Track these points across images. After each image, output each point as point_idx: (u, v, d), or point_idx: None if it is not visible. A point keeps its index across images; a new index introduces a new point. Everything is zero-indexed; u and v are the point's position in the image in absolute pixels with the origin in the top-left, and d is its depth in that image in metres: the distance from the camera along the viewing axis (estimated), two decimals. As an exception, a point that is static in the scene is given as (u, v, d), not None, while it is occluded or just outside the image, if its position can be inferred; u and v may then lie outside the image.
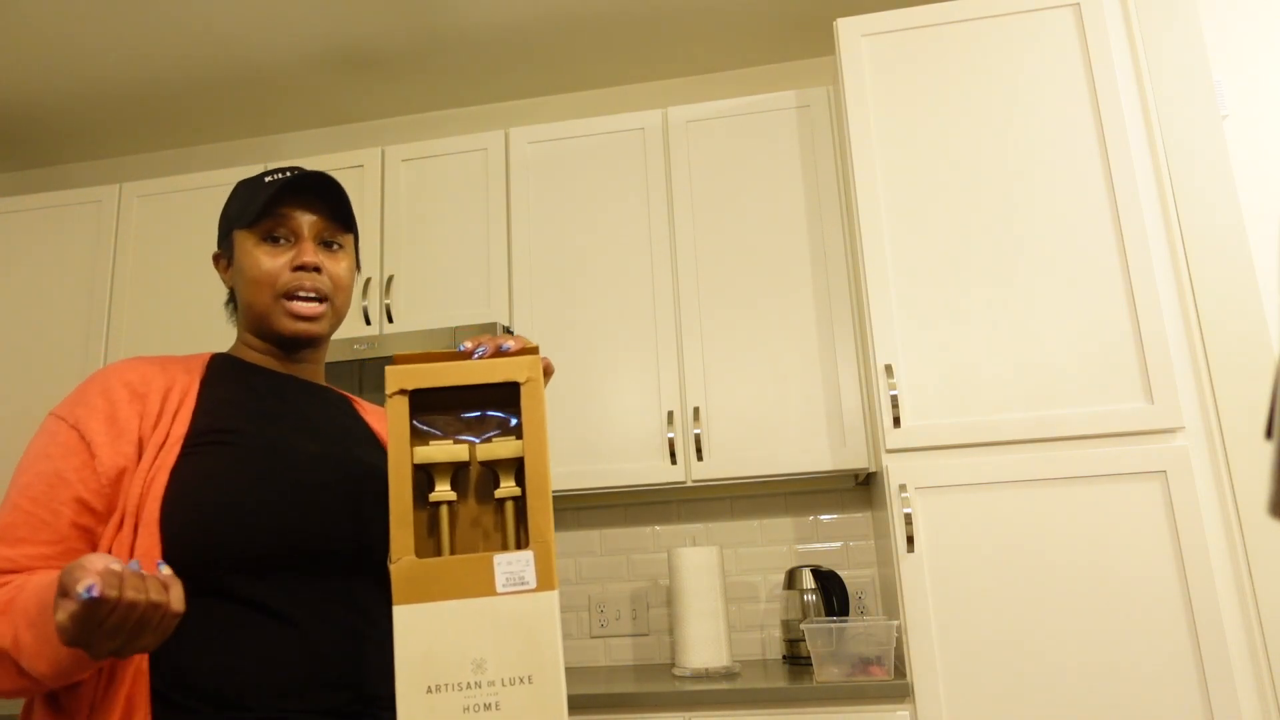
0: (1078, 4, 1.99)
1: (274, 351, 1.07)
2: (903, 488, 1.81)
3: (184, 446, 0.92)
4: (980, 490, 1.80)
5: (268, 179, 1.05)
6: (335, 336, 2.42)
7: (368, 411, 1.15)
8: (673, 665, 2.31)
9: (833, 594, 2.17)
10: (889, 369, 1.88)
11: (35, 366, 2.57)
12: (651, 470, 2.20)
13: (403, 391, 0.84)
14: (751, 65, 2.80)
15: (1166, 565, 1.71)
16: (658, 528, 2.49)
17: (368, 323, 2.41)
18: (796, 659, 2.17)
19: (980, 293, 1.89)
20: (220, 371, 1.03)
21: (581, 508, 2.54)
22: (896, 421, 1.86)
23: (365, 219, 2.50)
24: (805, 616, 2.17)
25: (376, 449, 1.07)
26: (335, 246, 1.06)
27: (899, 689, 1.76)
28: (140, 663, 0.84)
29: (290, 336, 1.03)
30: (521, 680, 0.79)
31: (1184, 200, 1.88)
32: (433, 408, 0.88)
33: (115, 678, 0.84)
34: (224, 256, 1.09)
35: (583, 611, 2.47)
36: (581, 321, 2.32)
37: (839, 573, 2.34)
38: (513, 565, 0.81)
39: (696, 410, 2.19)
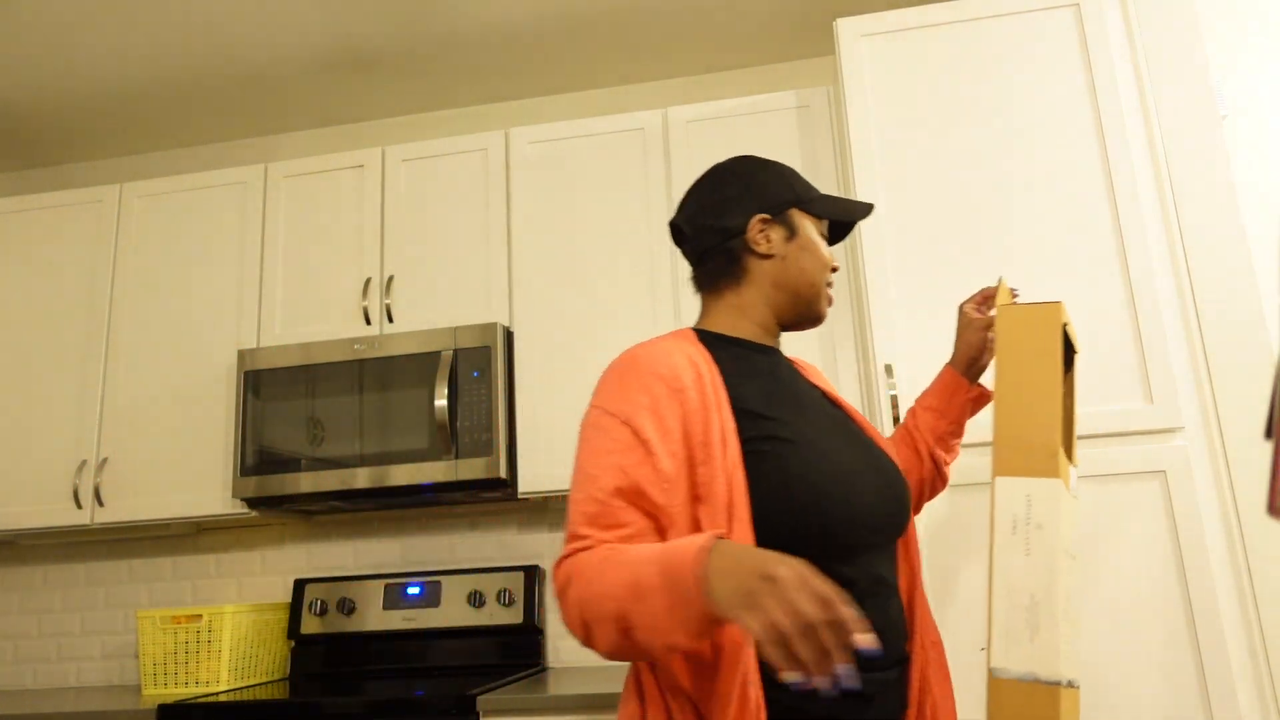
0: (1077, 4, 1.99)
1: (774, 330, 1.19)
2: (903, 488, 1.81)
3: (742, 441, 1.01)
4: (980, 490, 1.79)
5: (798, 180, 1.21)
6: (335, 336, 2.43)
7: (810, 373, 1.28)
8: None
9: (833, 594, 2.17)
10: (889, 369, 1.88)
11: (35, 367, 2.57)
12: (651, 470, 2.20)
13: (1063, 325, 1.09)
14: (751, 65, 2.80)
15: (1166, 565, 1.70)
16: (658, 528, 2.48)
17: (368, 323, 2.41)
18: (796, 659, 2.17)
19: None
20: (723, 353, 1.13)
21: (581, 508, 2.53)
22: (896, 421, 1.86)
23: (365, 219, 2.50)
24: (805, 616, 2.17)
25: (850, 414, 1.21)
26: None
27: (899, 689, 1.76)
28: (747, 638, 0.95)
29: (821, 319, 1.20)
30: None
31: (1184, 200, 1.88)
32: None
33: (726, 651, 0.95)
34: (778, 225, 1.17)
35: (583, 611, 2.47)
36: (581, 321, 2.32)
37: (839, 573, 2.33)
38: (1072, 475, 1.10)
39: (696, 410, 2.19)
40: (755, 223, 1.15)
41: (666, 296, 2.29)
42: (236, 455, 2.34)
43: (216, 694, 2.18)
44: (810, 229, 1.18)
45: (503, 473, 2.20)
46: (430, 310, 2.41)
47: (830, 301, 1.21)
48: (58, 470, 2.49)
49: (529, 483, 2.25)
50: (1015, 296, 1.30)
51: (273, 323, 2.48)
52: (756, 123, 2.36)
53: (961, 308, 1.41)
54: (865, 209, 1.22)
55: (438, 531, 2.61)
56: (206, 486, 2.40)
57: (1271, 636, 1.68)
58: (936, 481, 1.41)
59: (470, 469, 2.20)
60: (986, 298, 1.40)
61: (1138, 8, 1.99)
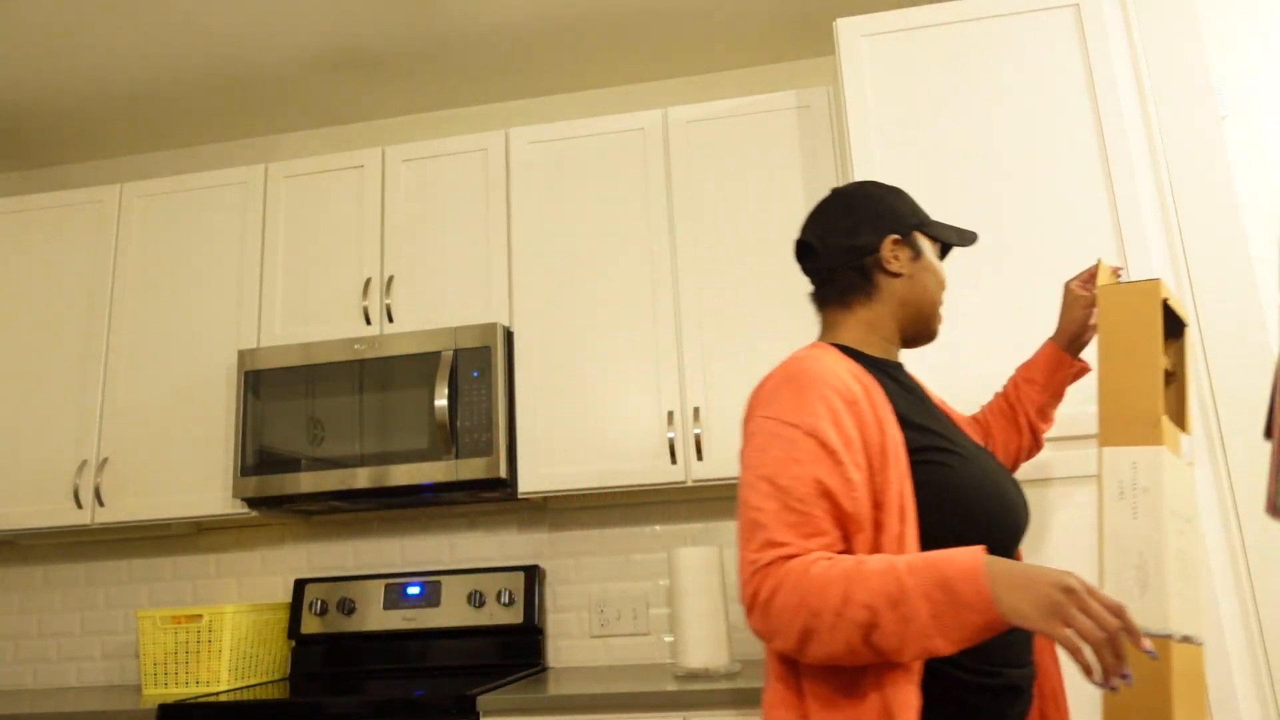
0: (1077, 4, 1.99)
1: (898, 344, 1.26)
2: (903, 488, 1.81)
3: (910, 452, 1.08)
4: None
5: (918, 205, 1.29)
6: (335, 337, 2.43)
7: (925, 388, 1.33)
8: (673, 665, 2.31)
9: (833, 594, 2.17)
10: (889, 369, 1.89)
11: (35, 367, 2.57)
12: (651, 470, 2.20)
13: (1164, 301, 1.16)
14: (751, 65, 2.80)
15: (1166, 565, 1.71)
16: (658, 528, 2.49)
17: (368, 323, 2.41)
18: (796, 659, 2.17)
19: (979, 292, 1.89)
20: (875, 368, 1.19)
21: (581, 508, 2.54)
22: (896, 421, 1.86)
23: (365, 219, 2.50)
24: (805, 616, 2.17)
25: (961, 424, 1.31)
26: None
27: (899, 689, 1.75)
28: None
29: (935, 335, 1.29)
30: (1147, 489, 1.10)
31: (1183, 200, 1.88)
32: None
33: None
34: (906, 245, 1.24)
35: (583, 611, 2.47)
36: (581, 321, 2.32)
37: (839, 573, 2.33)
38: (1184, 442, 1.15)
39: (696, 410, 2.19)
40: (888, 242, 1.23)
41: (666, 296, 2.29)
42: (237, 455, 2.34)
43: (216, 694, 2.18)
44: (930, 251, 1.26)
45: (503, 473, 2.20)
46: (430, 310, 2.41)
47: (941, 321, 1.30)
48: (58, 470, 2.49)
49: (529, 483, 2.25)
50: (1118, 275, 1.36)
51: (273, 323, 2.48)
52: (756, 123, 2.36)
53: (1068, 285, 1.47)
54: (973, 237, 1.31)
55: (438, 531, 2.61)
56: (206, 486, 2.40)
57: (1271, 636, 1.68)
58: (1033, 448, 1.53)
59: (470, 469, 2.20)
60: (1092, 275, 1.45)
61: (1138, 8, 1.99)
